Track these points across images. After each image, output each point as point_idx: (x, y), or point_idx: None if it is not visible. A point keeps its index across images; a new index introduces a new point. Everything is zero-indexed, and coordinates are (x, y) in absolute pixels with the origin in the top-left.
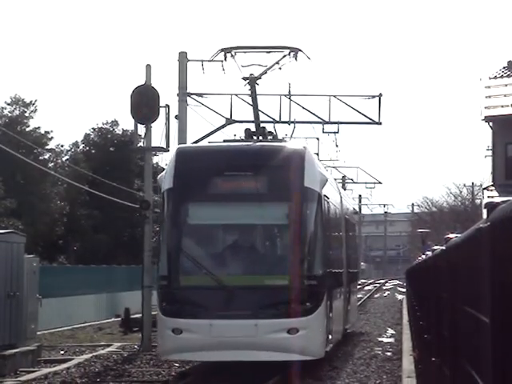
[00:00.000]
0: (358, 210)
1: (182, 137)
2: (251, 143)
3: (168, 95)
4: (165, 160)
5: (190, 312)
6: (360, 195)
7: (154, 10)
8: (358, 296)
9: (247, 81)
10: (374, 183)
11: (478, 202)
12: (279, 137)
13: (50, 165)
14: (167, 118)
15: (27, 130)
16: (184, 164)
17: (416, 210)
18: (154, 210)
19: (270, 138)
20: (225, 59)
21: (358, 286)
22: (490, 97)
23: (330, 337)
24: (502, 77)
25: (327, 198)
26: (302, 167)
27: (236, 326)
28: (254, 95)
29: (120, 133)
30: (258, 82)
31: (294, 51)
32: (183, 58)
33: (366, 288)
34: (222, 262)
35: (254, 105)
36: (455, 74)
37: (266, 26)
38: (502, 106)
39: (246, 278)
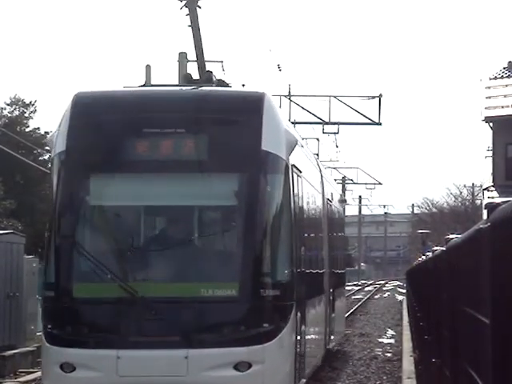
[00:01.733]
0: (345, 197)
1: None
2: (185, 88)
3: None
4: None
5: (87, 338)
6: (360, 196)
7: (155, 10)
8: (358, 297)
9: (184, 2)
10: (374, 184)
11: (478, 202)
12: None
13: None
14: None
15: (27, 130)
16: (84, 117)
17: (416, 210)
18: None
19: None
20: None
21: (358, 288)
22: (490, 97)
23: (302, 368)
24: (502, 77)
25: (298, 170)
26: (258, 121)
27: (157, 360)
28: (194, 23)
29: None
30: (200, 4)
31: None
32: (183, 59)
33: (366, 289)
34: (137, 263)
35: (196, 38)
36: (455, 74)
37: (264, 40)
38: (503, 107)
39: (173, 287)
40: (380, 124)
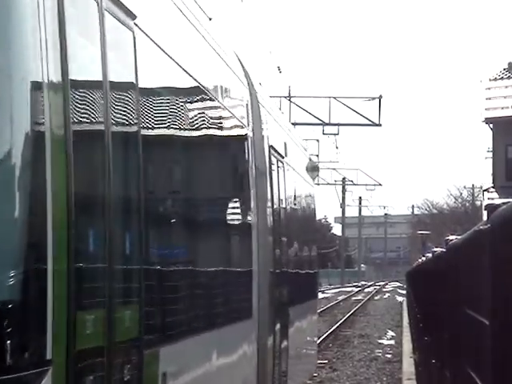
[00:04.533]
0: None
1: None
2: None
3: None
4: None
5: None
6: (360, 197)
7: None
8: (358, 298)
9: None
10: (374, 185)
11: (478, 203)
12: None
13: None
14: None
15: None
16: None
17: (416, 211)
18: None
19: None
20: None
21: (358, 289)
22: (490, 98)
23: None
24: (502, 78)
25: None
26: None
27: None
28: None
29: None
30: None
31: None
32: None
33: (366, 290)
34: None
35: None
36: (456, 75)
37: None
38: (503, 108)
39: None
40: (380, 125)
